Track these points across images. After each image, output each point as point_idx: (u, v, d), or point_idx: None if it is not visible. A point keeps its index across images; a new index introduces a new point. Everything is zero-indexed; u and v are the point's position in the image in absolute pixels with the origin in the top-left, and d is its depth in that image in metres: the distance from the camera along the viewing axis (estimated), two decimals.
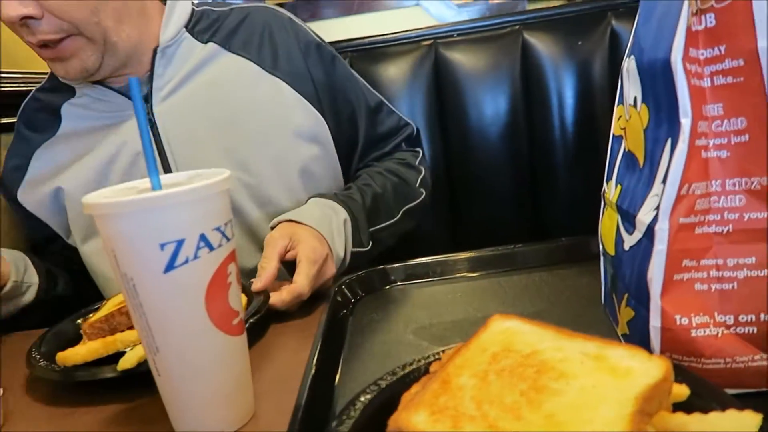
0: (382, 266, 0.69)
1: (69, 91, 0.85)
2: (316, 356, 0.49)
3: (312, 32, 0.92)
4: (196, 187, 0.41)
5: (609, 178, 0.51)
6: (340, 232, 0.76)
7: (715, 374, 0.38)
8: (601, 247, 0.54)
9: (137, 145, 0.79)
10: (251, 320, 0.58)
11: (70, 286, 0.86)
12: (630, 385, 0.30)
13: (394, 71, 1.24)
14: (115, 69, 0.79)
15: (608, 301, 0.52)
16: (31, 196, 0.85)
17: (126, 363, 0.53)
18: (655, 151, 0.41)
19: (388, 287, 0.67)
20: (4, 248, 0.77)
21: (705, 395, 0.33)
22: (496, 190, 1.28)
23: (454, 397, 0.32)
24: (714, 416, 0.31)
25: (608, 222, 0.51)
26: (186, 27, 0.84)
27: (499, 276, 0.66)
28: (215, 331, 0.43)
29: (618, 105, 0.50)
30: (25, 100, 0.90)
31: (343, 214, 0.78)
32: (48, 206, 0.84)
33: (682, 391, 0.33)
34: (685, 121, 0.37)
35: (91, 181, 0.81)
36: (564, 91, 1.23)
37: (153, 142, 0.81)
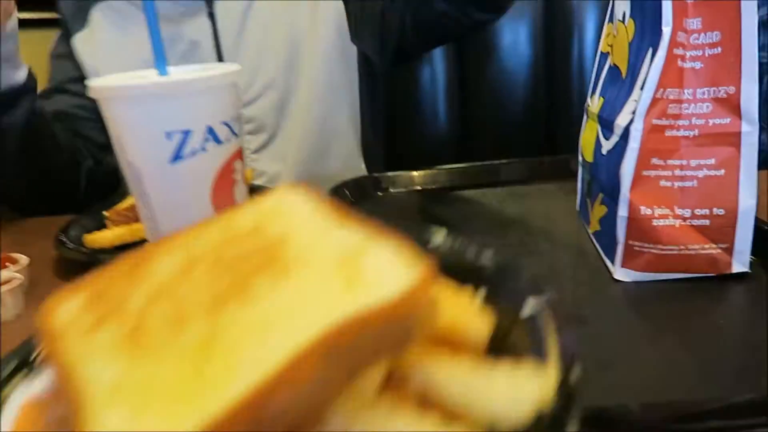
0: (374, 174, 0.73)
1: None
2: None
3: None
4: (204, 76, 0.40)
5: (593, 93, 0.55)
6: None
7: (670, 259, 0.44)
8: (580, 158, 0.58)
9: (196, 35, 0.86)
10: None
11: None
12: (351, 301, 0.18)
13: None
14: None
15: (582, 206, 0.57)
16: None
17: None
18: (637, 62, 0.45)
19: (381, 194, 0.71)
20: None
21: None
22: (509, 114, 1.26)
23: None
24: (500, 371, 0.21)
25: (588, 133, 0.55)
26: None
27: (481, 188, 0.70)
28: None
29: (607, 23, 0.54)
30: None
31: None
32: None
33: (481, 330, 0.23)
34: (666, 30, 0.40)
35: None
36: (585, 24, 1.20)
37: (214, 35, 0.87)
